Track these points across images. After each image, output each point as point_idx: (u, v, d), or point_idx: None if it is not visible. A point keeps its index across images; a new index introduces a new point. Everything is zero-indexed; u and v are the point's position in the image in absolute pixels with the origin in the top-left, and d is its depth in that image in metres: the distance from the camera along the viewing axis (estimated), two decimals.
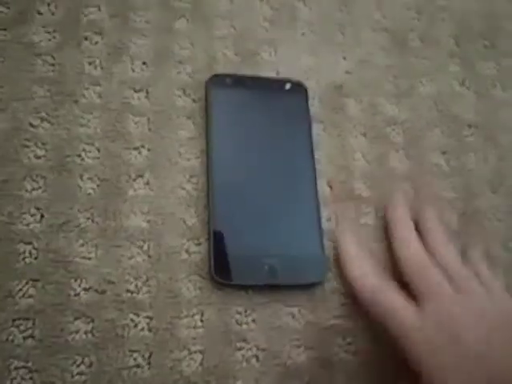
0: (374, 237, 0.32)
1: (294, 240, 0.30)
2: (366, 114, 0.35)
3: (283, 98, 0.33)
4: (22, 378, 0.26)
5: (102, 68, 0.32)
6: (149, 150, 0.31)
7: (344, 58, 0.37)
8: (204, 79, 0.33)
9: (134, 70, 0.33)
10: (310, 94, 0.34)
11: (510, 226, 0.35)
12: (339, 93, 0.35)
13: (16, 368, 0.26)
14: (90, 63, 0.32)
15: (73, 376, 0.26)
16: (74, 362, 0.27)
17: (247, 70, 0.34)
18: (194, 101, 0.33)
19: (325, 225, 0.31)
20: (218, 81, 0.33)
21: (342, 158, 0.34)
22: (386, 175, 0.34)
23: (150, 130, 0.32)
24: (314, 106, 0.34)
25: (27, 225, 0.28)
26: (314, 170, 0.32)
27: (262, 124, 0.32)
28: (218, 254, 0.29)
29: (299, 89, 0.34)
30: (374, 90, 0.36)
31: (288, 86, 0.34)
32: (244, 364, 0.28)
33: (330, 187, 0.33)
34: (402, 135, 0.36)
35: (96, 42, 0.33)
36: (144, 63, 0.33)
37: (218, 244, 0.29)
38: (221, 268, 0.29)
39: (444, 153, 0.36)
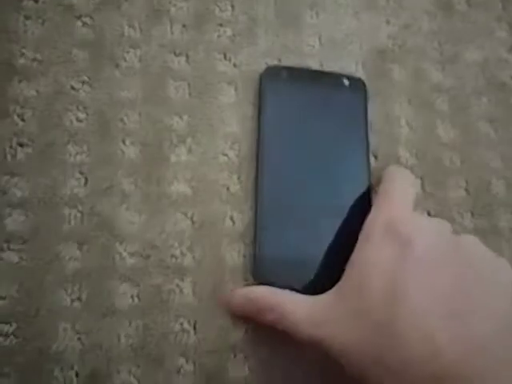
0: (420, 206, 0.32)
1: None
2: (411, 80, 0.34)
3: (340, 94, 0.31)
4: (71, 340, 0.26)
5: (141, 30, 0.31)
6: (190, 115, 0.31)
7: (387, 23, 0.35)
8: (244, 43, 0.32)
9: (173, 33, 0.32)
10: (353, 59, 0.33)
11: None
12: (382, 58, 0.34)
13: (64, 330, 0.26)
14: (129, 25, 0.31)
15: (119, 339, 0.27)
16: (121, 326, 0.27)
17: (288, 33, 0.33)
18: (234, 65, 0.32)
19: None
20: (272, 73, 0.31)
21: (387, 125, 0.33)
22: (432, 143, 0.33)
23: (190, 95, 0.31)
24: (357, 72, 0.33)
25: (71, 189, 0.28)
26: (369, 174, 0.30)
27: (316, 122, 0.31)
28: (260, 256, 0.28)
29: (358, 86, 0.32)
30: (418, 55, 0.35)
31: (346, 82, 0.32)
32: None
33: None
34: (448, 103, 0.34)
35: (135, 4, 0.32)
36: (184, 26, 0.32)
37: (261, 246, 0.28)
38: (262, 270, 0.27)
39: (492, 121, 0.34)
